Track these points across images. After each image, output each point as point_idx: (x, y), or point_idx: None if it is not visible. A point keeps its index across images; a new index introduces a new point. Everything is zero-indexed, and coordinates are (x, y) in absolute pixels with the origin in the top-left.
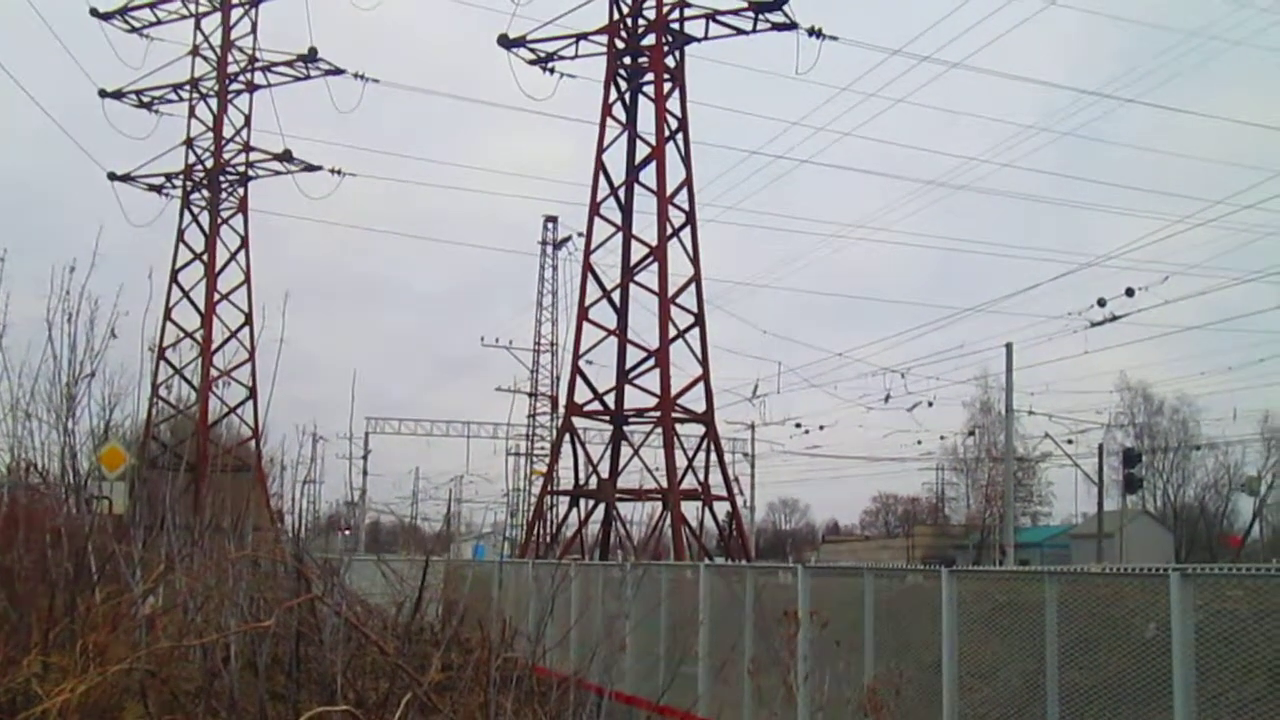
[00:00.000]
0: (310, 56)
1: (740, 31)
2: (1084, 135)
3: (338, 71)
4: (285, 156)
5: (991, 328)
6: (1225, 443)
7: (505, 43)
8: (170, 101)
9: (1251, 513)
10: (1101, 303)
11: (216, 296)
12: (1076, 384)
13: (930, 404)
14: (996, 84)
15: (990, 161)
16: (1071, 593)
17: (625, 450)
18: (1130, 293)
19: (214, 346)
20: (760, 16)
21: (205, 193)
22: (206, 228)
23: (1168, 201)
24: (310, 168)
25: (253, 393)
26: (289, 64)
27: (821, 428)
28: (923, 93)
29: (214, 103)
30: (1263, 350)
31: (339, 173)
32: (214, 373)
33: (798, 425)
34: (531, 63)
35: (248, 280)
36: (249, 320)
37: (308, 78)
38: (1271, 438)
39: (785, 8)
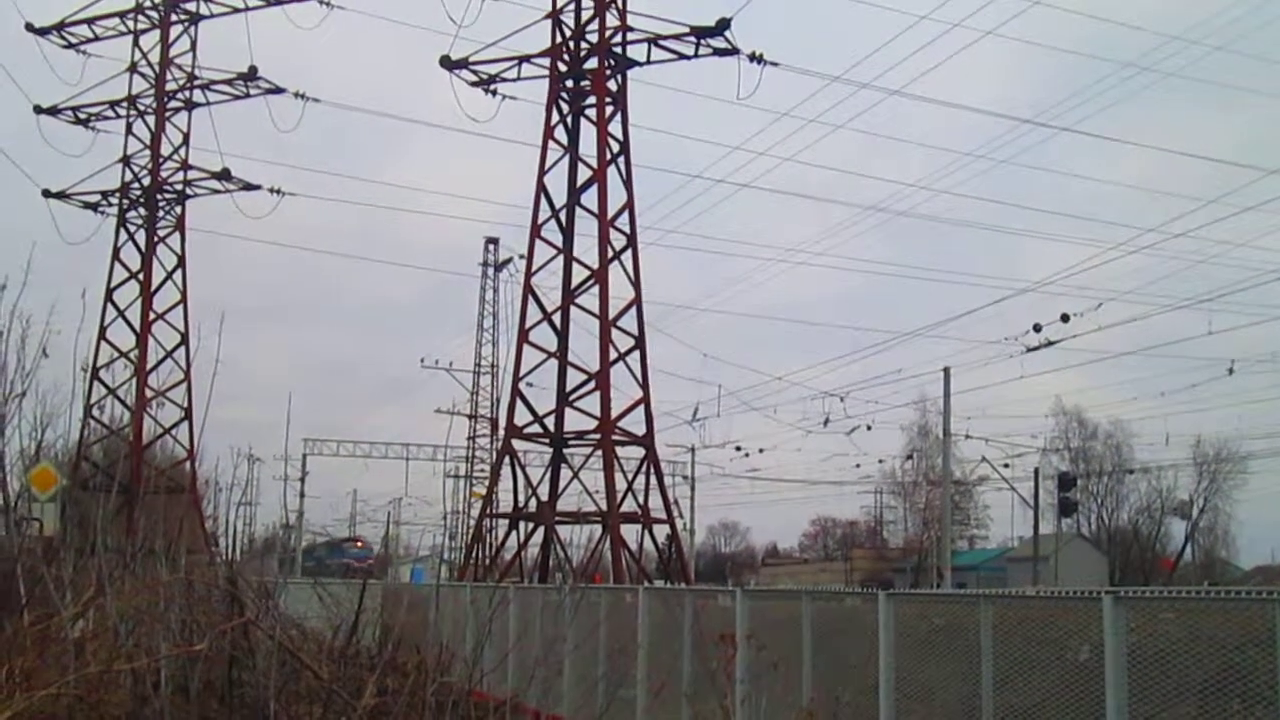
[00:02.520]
0: (250, 75)
1: (682, 56)
2: (1020, 162)
3: (278, 90)
4: (224, 175)
5: (929, 352)
6: (1158, 467)
7: (447, 64)
8: (107, 118)
9: (1184, 536)
10: (1037, 328)
11: (152, 316)
12: (1013, 408)
13: (869, 428)
14: (934, 111)
15: (928, 187)
16: (1006, 616)
17: (565, 473)
18: (1065, 318)
19: (149, 366)
20: (702, 42)
21: (142, 211)
22: (143, 246)
23: (1102, 229)
24: (249, 186)
25: (188, 413)
26: (228, 82)
27: (761, 451)
28: (862, 119)
29: (152, 120)
30: (1194, 376)
31: (278, 192)
32: (149, 393)
33: (738, 448)
34: (474, 84)
35: (184, 300)
36: (185, 340)
37: (247, 96)
38: (1203, 462)
39: (727, 33)
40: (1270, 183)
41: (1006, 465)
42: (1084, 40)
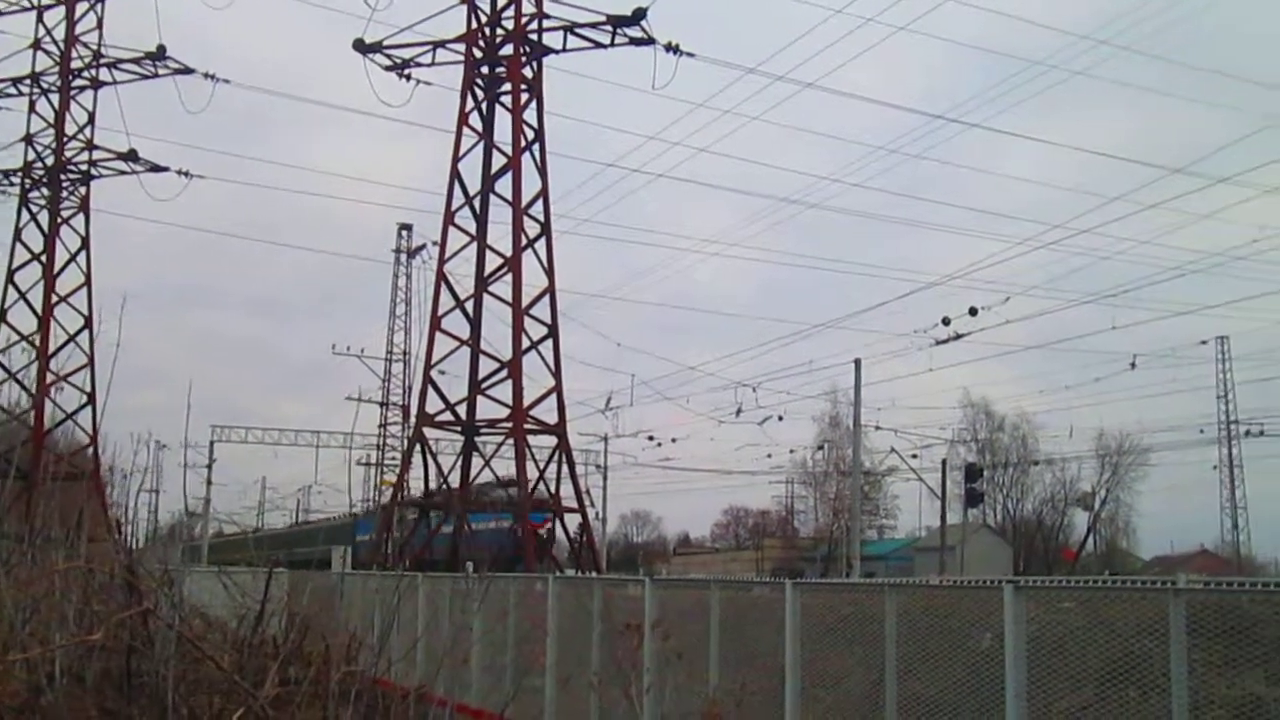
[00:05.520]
0: (158, 54)
1: (598, 45)
2: (931, 157)
3: (187, 71)
4: (130, 156)
5: (841, 344)
6: (1062, 459)
7: (361, 47)
8: (9, 95)
9: (1086, 527)
10: (946, 321)
11: (55, 299)
12: (922, 400)
13: (780, 418)
14: (848, 105)
15: (841, 180)
16: (911, 604)
17: (476, 461)
18: (973, 312)
19: (51, 350)
20: (618, 31)
21: (45, 191)
22: (46, 227)
23: (1009, 224)
24: (156, 168)
25: (91, 398)
26: (136, 61)
27: (674, 440)
28: (776, 112)
29: (56, 99)
30: (1097, 370)
31: (186, 174)
32: (50, 377)
33: (650, 438)
34: (388, 69)
35: (88, 282)
36: (89, 324)
37: (155, 76)
38: (1105, 455)
39: (643, 23)
40: (1173, 181)
41: (915, 456)
42: (994, 38)
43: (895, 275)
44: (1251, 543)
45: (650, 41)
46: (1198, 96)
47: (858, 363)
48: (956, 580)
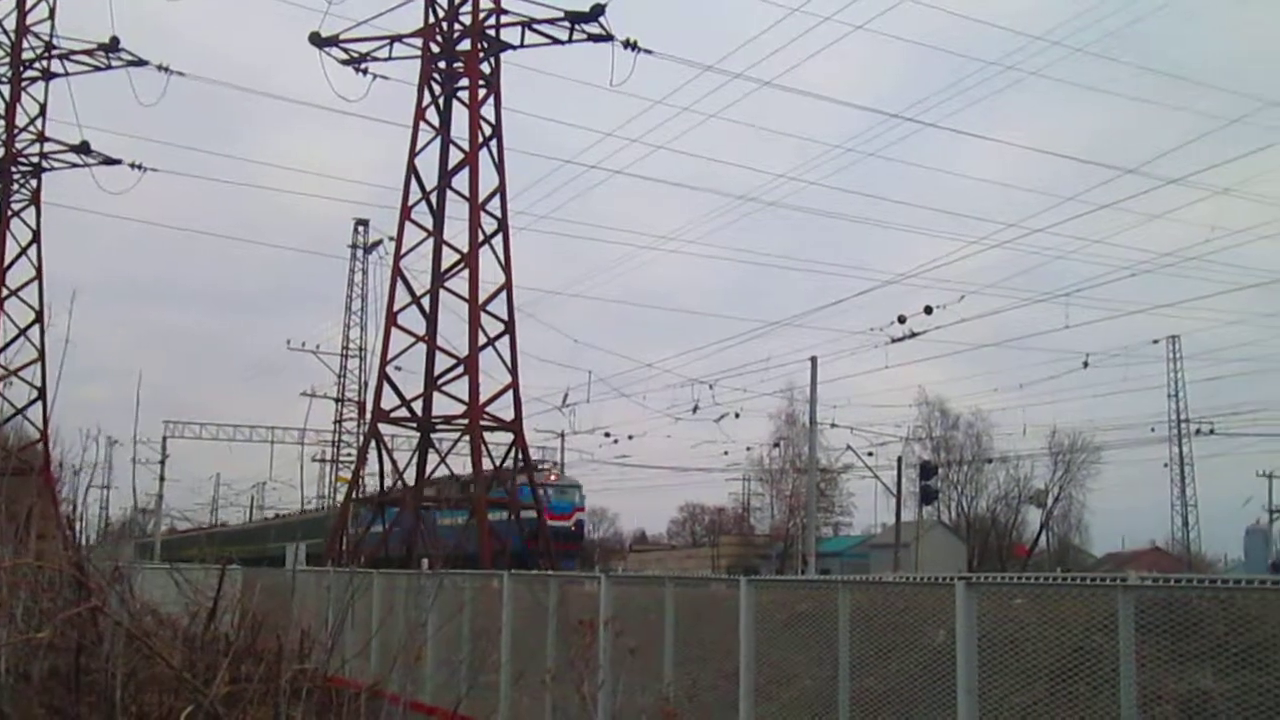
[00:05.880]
0: (112, 46)
1: (556, 41)
2: (887, 156)
3: (140, 63)
4: (83, 149)
5: (797, 341)
6: (1016, 457)
7: (317, 41)
8: None
9: (1039, 524)
10: (902, 319)
11: (5, 292)
12: (878, 398)
13: (737, 415)
14: (806, 104)
15: (798, 179)
16: (865, 601)
17: (433, 458)
18: (929, 310)
19: (1, 345)
20: (576, 27)
21: None
22: None
23: (965, 223)
24: (109, 161)
25: (41, 393)
26: (89, 53)
27: (630, 437)
28: (734, 109)
29: (7, 90)
30: (1051, 368)
31: (140, 167)
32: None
33: (607, 434)
34: (344, 63)
35: (39, 276)
36: (39, 318)
37: (109, 68)
38: (1058, 452)
39: (601, 19)
40: (1126, 181)
41: (871, 454)
42: (951, 39)
43: (854, 274)
44: (1201, 540)
45: (608, 38)
46: (1151, 98)
47: (814, 360)
48: (910, 577)
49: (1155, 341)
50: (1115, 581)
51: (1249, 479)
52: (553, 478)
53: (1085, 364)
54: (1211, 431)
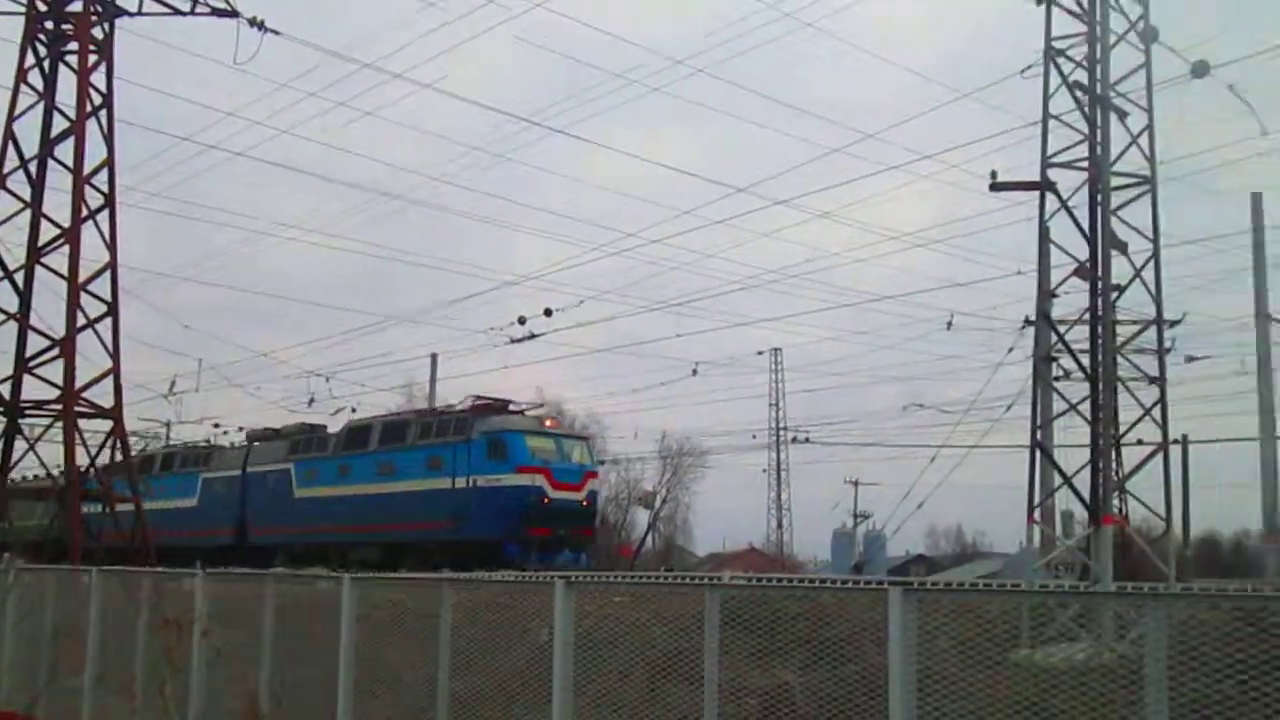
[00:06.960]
0: None
1: (178, 11)
2: (515, 159)
3: None
4: None
5: (419, 337)
6: (627, 459)
7: None
8: None
9: (646, 524)
10: (522, 320)
11: None
12: (498, 396)
13: (354, 410)
14: (437, 100)
15: (426, 174)
16: (469, 599)
17: (20, 445)
18: (548, 313)
19: None
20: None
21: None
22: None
23: (586, 229)
24: None
25: None
26: None
27: (241, 429)
28: (363, 99)
29: None
30: (663, 375)
31: None
32: None
33: (216, 425)
34: None
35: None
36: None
37: None
38: (667, 455)
39: None
40: (738, 200)
41: None
42: (584, 46)
43: (481, 273)
44: (794, 541)
45: (234, 14)
46: (765, 122)
47: (434, 356)
48: (517, 576)
49: (760, 353)
50: (705, 580)
51: (838, 485)
52: (549, 423)
53: (694, 371)
54: (807, 440)
